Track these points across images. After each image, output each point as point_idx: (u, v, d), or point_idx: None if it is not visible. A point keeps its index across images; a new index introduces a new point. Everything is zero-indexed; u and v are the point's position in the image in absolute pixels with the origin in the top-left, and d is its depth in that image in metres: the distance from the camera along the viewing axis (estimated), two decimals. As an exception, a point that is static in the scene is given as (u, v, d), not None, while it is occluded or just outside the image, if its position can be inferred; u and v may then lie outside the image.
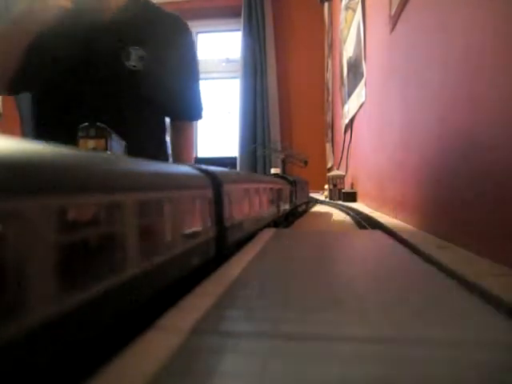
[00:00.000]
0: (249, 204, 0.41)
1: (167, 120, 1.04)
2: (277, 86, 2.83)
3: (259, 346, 0.15)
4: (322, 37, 2.84)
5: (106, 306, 0.15)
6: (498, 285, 0.28)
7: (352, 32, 1.63)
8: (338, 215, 0.96)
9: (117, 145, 0.48)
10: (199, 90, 1.05)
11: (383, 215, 0.94)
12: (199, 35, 3.21)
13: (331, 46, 2.56)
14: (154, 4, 0.94)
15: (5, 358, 0.11)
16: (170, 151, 1.08)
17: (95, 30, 0.81)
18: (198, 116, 1.05)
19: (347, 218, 0.88)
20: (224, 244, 0.31)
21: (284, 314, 0.19)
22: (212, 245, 0.29)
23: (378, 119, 1.18)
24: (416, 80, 0.76)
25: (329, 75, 2.67)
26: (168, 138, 1.07)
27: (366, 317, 0.18)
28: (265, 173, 2.52)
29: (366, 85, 1.37)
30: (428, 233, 0.61)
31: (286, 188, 0.73)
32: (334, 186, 1.65)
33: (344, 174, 1.72)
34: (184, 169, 0.28)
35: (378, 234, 0.48)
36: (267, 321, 0.18)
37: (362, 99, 1.41)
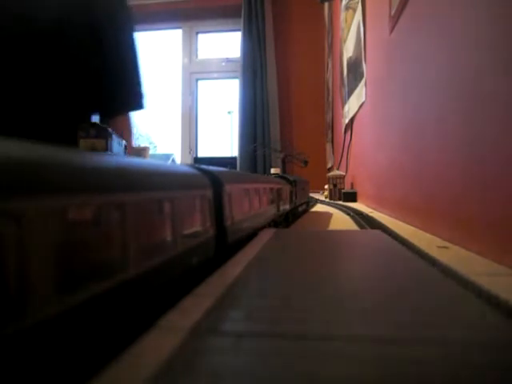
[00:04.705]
0: (249, 204, 0.41)
1: None
2: (277, 86, 2.83)
3: (259, 345, 0.15)
4: (322, 37, 2.84)
5: (106, 305, 0.15)
6: (498, 285, 0.28)
7: (352, 32, 1.63)
8: (338, 215, 0.96)
9: (117, 145, 0.48)
10: (138, 68, 0.83)
11: (383, 215, 0.94)
12: (199, 35, 3.21)
13: (331, 46, 2.56)
14: None
15: (5, 357, 0.11)
16: None
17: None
18: (129, 104, 0.83)
19: (347, 218, 0.88)
20: (224, 244, 0.31)
21: (284, 314, 0.19)
22: (212, 245, 0.29)
23: (378, 119, 1.18)
24: (416, 80, 0.76)
25: (329, 75, 2.67)
26: None
27: (366, 317, 0.18)
28: (265, 173, 2.51)
29: (366, 85, 1.37)
30: (428, 233, 0.61)
31: (286, 188, 0.73)
32: (334, 185, 1.65)
33: (344, 173, 1.72)
34: (184, 169, 0.28)
35: (378, 233, 0.48)
36: (267, 321, 0.18)
37: (362, 99, 1.41)
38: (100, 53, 0.69)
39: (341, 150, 2.00)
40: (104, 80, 0.71)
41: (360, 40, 1.43)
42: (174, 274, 0.22)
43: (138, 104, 0.82)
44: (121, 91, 0.77)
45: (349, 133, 1.80)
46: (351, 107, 1.69)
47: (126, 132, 0.84)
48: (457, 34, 0.54)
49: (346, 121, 1.85)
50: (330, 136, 2.60)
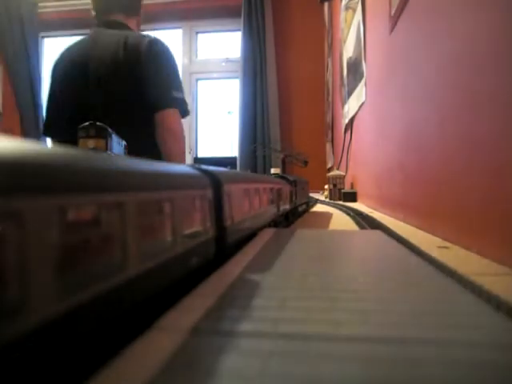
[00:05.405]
0: (249, 204, 0.41)
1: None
2: (277, 86, 2.83)
3: (259, 345, 0.15)
4: (322, 37, 2.84)
5: (106, 305, 0.15)
6: (498, 285, 0.28)
7: (352, 32, 1.63)
8: (337, 215, 0.96)
9: (117, 145, 0.48)
10: (167, 81, 1.18)
11: (383, 215, 0.94)
12: (199, 35, 3.21)
13: (331, 46, 2.56)
14: (135, 35, 1.22)
15: (5, 358, 0.11)
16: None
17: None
18: (163, 103, 1.16)
19: (347, 218, 0.88)
20: (224, 244, 0.31)
21: (284, 314, 0.19)
22: (212, 245, 0.29)
23: (378, 119, 1.18)
24: (416, 80, 0.76)
25: (329, 75, 2.67)
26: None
27: (366, 317, 0.18)
28: (265, 173, 2.51)
29: (366, 85, 1.37)
30: (428, 233, 0.61)
31: (286, 188, 0.73)
32: (334, 185, 1.65)
33: (344, 173, 1.72)
34: (184, 169, 0.28)
35: (378, 233, 0.48)
36: (267, 321, 0.18)
37: (362, 99, 1.41)
38: (144, 89, 1.13)
39: (341, 150, 2.00)
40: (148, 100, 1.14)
41: (360, 40, 1.43)
42: (173, 274, 0.22)
43: (184, 111, 1.21)
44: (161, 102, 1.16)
45: (349, 133, 1.80)
46: (351, 107, 1.69)
47: (179, 135, 1.19)
48: (457, 34, 0.54)
49: (346, 121, 1.85)
50: (330, 136, 2.60)
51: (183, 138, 1.22)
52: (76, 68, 1.15)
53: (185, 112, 1.21)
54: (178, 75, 1.23)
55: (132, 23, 1.27)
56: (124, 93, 1.13)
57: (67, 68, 1.18)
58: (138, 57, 1.14)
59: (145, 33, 1.27)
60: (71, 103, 1.15)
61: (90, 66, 1.14)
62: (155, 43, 1.19)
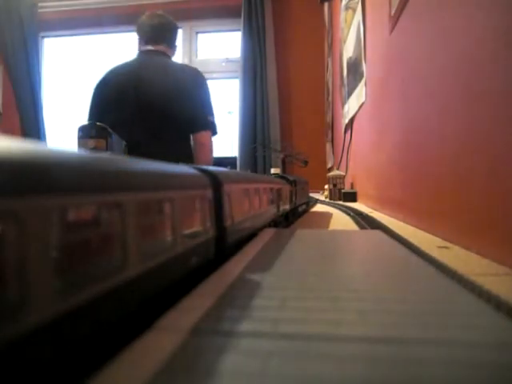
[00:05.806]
0: (249, 204, 0.41)
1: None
2: (277, 86, 2.82)
3: (259, 345, 0.15)
4: (322, 37, 2.84)
5: (106, 305, 0.15)
6: (498, 285, 0.28)
7: (352, 32, 1.63)
8: (338, 215, 0.96)
9: (117, 145, 0.48)
10: (205, 107, 1.44)
11: (383, 215, 0.94)
12: (199, 35, 3.21)
13: (331, 46, 2.56)
14: (179, 65, 1.53)
15: (5, 358, 0.11)
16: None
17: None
18: (202, 126, 1.43)
19: (347, 218, 0.88)
20: (224, 244, 0.31)
21: (284, 314, 0.19)
22: (212, 245, 0.29)
23: (378, 119, 1.18)
24: (416, 80, 0.76)
25: (329, 75, 2.67)
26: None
27: (366, 317, 0.18)
28: (265, 173, 2.51)
29: (366, 85, 1.37)
30: (428, 233, 0.61)
31: (286, 188, 0.73)
32: (334, 185, 1.65)
33: (344, 173, 1.72)
34: (184, 169, 0.28)
35: (378, 233, 0.48)
36: (267, 321, 0.18)
37: (362, 99, 1.41)
38: (186, 113, 1.37)
39: (341, 150, 2.00)
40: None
41: (360, 40, 1.43)
42: (173, 274, 0.22)
43: (214, 132, 1.47)
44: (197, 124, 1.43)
45: (349, 133, 1.80)
46: (351, 107, 1.69)
47: (209, 149, 1.46)
48: (456, 34, 0.54)
49: (346, 121, 1.85)
50: (330, 136, 2.60)
51: (212, 153, 1.49)
52: (125, 90, 1.34)
53: (215, 132, 1.48)
54: (211, 102, 1.47)
55: (171, 52, 1.53)
56: (169, 114, 1.35)
57: (114, 88, 1.36)
58: (182, 86, 1.38)
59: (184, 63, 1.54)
60: (116, 119, 1.29)
61: (139, 90, 1.34)
62: (196, 75, 1.47)
